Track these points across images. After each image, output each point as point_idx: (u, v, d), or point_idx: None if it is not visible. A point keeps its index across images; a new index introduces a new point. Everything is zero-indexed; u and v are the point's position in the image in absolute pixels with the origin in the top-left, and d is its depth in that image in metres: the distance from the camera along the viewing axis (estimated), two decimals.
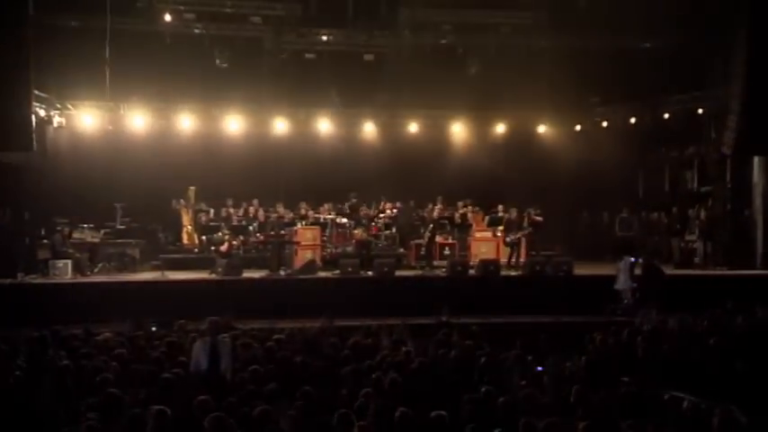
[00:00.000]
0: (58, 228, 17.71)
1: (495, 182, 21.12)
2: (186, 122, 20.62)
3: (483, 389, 7.50)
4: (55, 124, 19.59)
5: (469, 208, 20.53)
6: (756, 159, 18.39)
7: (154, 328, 12.30)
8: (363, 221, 19.69)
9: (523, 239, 18.85)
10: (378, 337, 10.97)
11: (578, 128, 22.59)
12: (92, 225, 18.68)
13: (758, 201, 18.35)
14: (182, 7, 19.32)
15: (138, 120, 20.25)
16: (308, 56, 20.63)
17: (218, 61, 19.64)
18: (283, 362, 9.29)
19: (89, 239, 18.32)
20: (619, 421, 6.39)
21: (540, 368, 8.33)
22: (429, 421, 6.63)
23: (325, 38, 20.76)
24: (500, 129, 22.15)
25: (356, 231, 18.96)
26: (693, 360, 9.04)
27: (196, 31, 19.67)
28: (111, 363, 8.96)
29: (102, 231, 18.71)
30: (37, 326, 11.43)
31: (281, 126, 21.11)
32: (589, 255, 20.38)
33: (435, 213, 19.75)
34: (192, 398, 7.14)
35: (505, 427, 6.42)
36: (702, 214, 19.28)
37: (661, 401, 7.27)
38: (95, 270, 17.62)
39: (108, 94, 18.85)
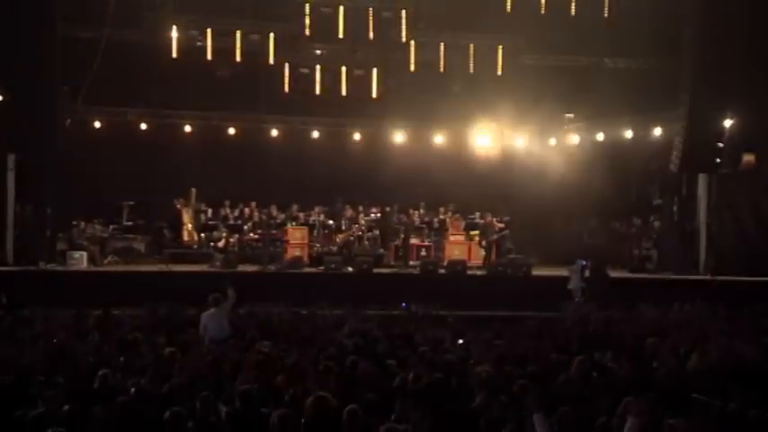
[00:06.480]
0: (74, 223, 21.78)
1: (475, 190, 24.72)
2: (188, 129, 24.61)
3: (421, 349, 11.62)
4: (69, 127, 23.54)
5: (449, 214, 24.73)
6: (701, 176, 22.30)
7: None
8: (347, 224, 23.75)
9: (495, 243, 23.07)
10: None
11: (553, 142, 26.74)
12: (101, 221, 22.73)
13: (702, 214, 22.32)
14: (187, 23, 23.55)
15: (144, 125, 24.25)
16: (302, 70, 24.83)
17: (218, 72, 23.90)
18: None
19: (99, 234, 22.38)
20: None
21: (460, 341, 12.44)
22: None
23: (318, 52, 25.02)
24: (481, 141, 26.03)
25: (340, 234, 23.07)
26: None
27: (198, 44, 23.87)
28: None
29: (111, 227, 22.79)
30: (57, 306, 15.26)
31: (276, 134, 25.13)
32: (562, 260, 24.27)
33: (416, 218, 24.03)
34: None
35: None
36: (656, 225, 23.45)
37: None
38: (105, 261, 21.70)
39: (117, 100, 23.19)
